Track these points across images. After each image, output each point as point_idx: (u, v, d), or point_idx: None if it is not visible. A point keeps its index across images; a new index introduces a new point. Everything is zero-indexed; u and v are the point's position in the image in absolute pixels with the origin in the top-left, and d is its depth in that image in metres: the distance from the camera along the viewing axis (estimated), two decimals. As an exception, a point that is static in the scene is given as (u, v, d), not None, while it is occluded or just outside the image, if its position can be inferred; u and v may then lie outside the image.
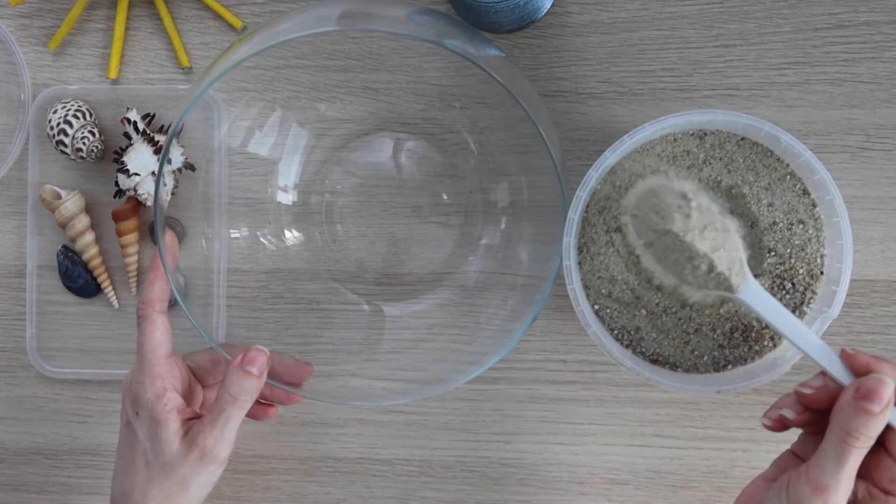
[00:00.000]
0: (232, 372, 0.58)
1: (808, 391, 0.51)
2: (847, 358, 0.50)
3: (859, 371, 0.50)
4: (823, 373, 0.51)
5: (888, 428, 0.48)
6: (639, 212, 0.57)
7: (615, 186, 0.58)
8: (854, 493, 0.49)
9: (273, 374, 0.64)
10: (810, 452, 0.50)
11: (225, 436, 0.58)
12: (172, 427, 0.58)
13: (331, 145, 0.68)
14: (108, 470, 0.71)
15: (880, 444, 0.49)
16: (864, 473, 0.49)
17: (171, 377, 0.60)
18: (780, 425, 0.52)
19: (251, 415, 0.64)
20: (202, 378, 0.64)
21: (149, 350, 0.59)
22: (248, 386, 0.58)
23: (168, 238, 0.61)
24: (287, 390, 0.63)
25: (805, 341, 0.53)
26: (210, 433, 0.58)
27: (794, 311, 0.58)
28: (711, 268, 0.54)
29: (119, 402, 0.70)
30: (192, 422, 0.59)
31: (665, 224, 0.55)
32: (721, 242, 0.55)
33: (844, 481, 0.47)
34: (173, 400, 0.59)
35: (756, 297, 0.54)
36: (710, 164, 0.59)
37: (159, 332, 0.60)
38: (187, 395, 0.62)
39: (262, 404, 0.65)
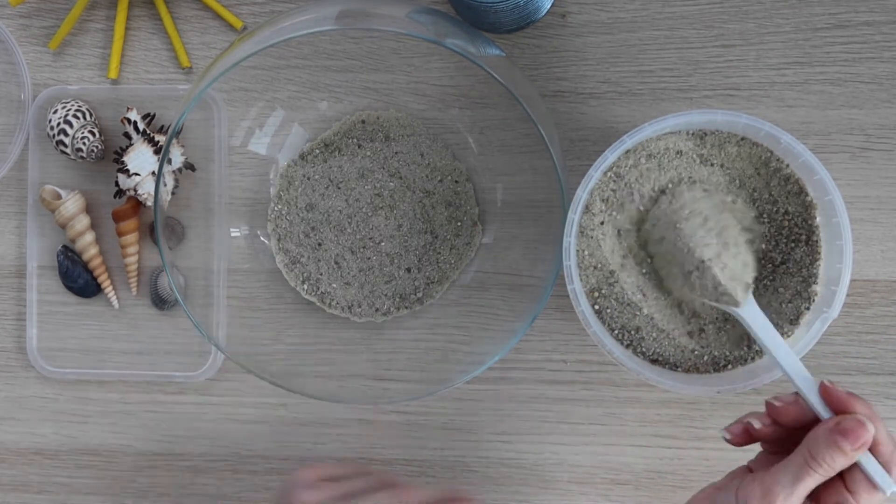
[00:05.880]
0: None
1: (778, 404, 0.53)
2: (825, 391, 0.52)
3: (834, 404, 0.51)
4: (798, 393, 0.53)
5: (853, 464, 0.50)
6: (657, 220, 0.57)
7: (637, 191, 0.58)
8: None
9: None
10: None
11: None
12: None
13: (331, 145, 0.68)
14: (109, 470, 0.71)
15: (839, 473, 0.50)
16: (814, 493, 0.50)
17: None
18: (744, 437, 0.53)
19: None
20: None
21: None
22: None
23: None
24: None
25: (791, 367, 0.54)
26: None
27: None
28: (715, 281, 0.55)
29: (118, 403, 0.70)
30: None
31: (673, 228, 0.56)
32: (728, 255, 0.56)
33: (793, 498, 0.49)
34: None
35: (753, 316, 0.56)
36: (709, 164, 0.59)
37: None
38: None
39: None
